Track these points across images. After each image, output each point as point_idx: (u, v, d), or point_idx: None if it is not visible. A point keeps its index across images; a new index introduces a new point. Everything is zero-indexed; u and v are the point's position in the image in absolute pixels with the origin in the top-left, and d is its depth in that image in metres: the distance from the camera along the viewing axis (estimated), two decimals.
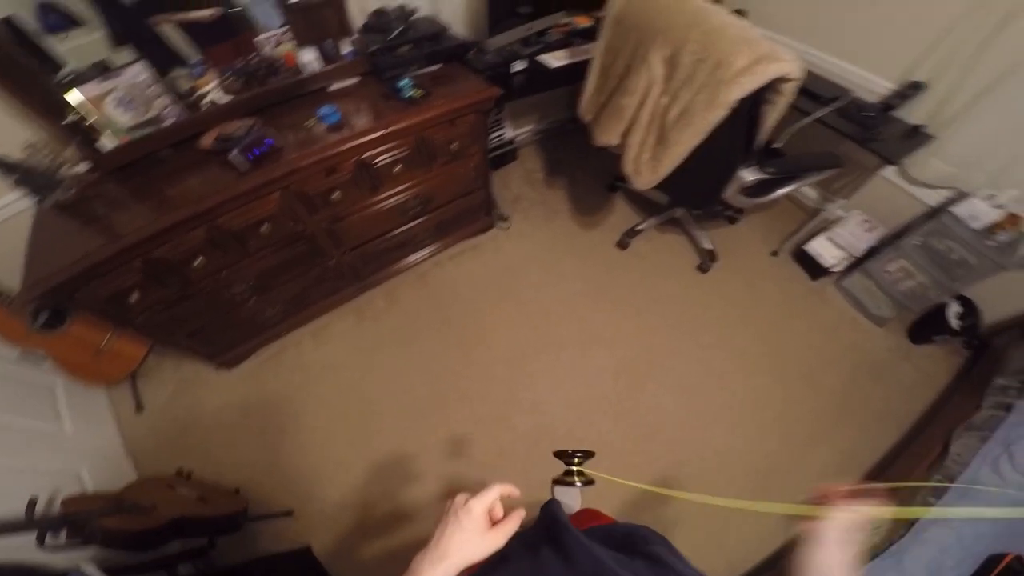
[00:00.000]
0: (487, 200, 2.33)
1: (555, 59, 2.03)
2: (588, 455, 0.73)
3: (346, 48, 1.71)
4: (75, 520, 1.15)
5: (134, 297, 1.47)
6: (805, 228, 2.30)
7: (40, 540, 1.12)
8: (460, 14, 2.08)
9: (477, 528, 0.57)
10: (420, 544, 0.57)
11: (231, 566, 1.54)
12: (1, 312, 1.55)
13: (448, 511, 0.59)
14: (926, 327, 2.14)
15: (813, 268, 2.31)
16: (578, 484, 0.70)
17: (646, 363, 2.08)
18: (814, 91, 1.93)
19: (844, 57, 2.07)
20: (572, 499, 1.69)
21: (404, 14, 1.77)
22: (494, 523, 0.60)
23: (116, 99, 1.39)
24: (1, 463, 1.41)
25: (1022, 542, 1.24)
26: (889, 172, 2.01)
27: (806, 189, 2.55)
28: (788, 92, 1.39)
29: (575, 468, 0.72)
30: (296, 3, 1.53)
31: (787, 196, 2.06)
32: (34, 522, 1.12)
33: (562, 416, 1.92)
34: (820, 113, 1.82)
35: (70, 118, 1.36)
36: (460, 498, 0.60)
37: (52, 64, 1.37)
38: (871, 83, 1.99)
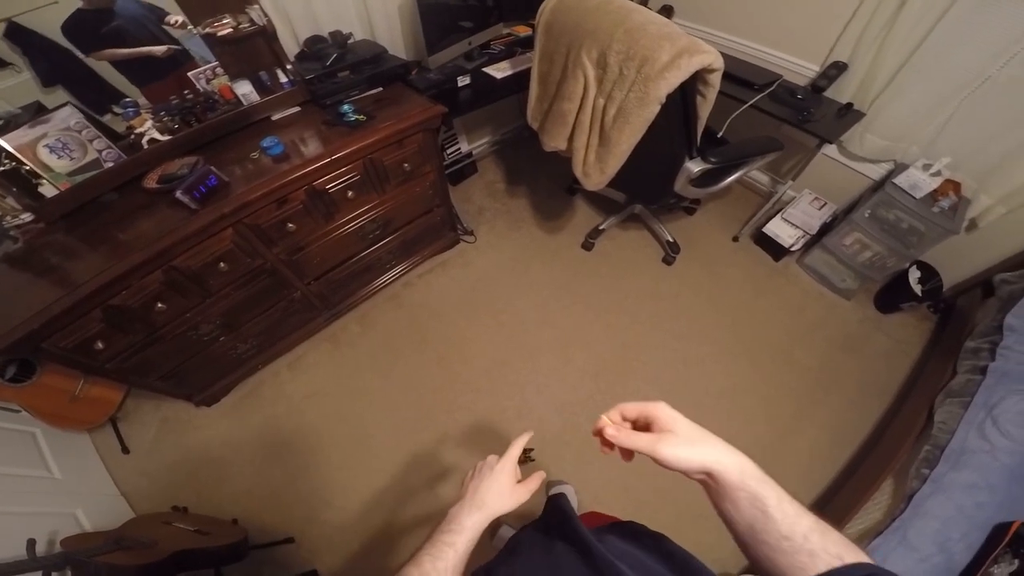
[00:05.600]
0: (449, 216, 2.35)
1: (499, 70, 2.07)
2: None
3: (283, 78, 1.72)
4: (76, 559, 1.17)
5: (99, 345, 1.45)
6: (761, 211, 2.35)
7: None
8: (397, 35, 2.11)
9: (509, 481, 0.64)
10: None
11: None
12: None
13: (480, 469, 0.67)
14: (891, 295, 2.18)
15: (774, 249, 2.36)
16: None
17: (624, 360, 2.10)
18: (747, 79, 2.00)
19: (771, 44, 2.14)
20: (570, 499, 1.70)
21: (340, 39, 1.79)
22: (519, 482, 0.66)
23: (48, 145, 1.36)
24: None
25: (1021, 509, 1.24)
26: (830, 150, 2.08)
27: (756, 174, 2.60)
28: (714, 82, 1.43)
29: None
30: (224, 36, 1.52)
31: (738, 182, 2.10)
32: (36, 562, 1.15)
33: (548, 421, 1.93)
34: (753, 100, 1.88)
35: (4, 166, 1.32)
36: (492, 458, 0.68)
37: None
38: (798, 67, 2.07)
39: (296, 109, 1.80)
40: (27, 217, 1.47)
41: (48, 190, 1.43)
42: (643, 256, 2.49)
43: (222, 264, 1.58)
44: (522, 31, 2.26)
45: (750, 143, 1.80)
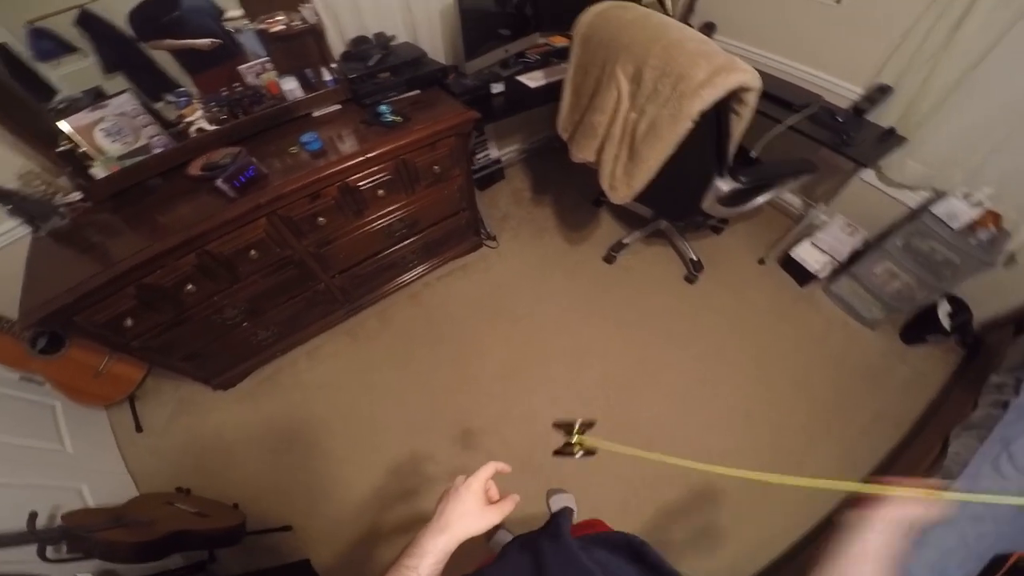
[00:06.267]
0: (474, 220, 2.38)
1: (533, 79, 2.10)
2: (589, 425, 0.71)
3: (327, 76, 1.77)
4: (74, 533, 1.19)
5: (128, 322, 1.50)
6: (790, 234, 2.32)
7: (41, 553, 1.16)
8: (437, 39, 2.16)
9: (476, 502, 0.63)
10: None
11: None
12: (1, 338, 1.60)
13: (449, 490, 0.65)
14: (918, 328, 2.13)
15: (800, 274, 2.32)
16: (577, 455, 0.69)
17: (638, 375, 2.08)
18: (786, 99, 1.98)
19: (813, 64, 2.11)
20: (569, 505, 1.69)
21: (383, 41, 1.84)
22: (493, 503, 0.65)
23: (105, 129, 1.44)
24: (3, 480, 1.44)
25: None
26: (867, 175, 2.04)
27: (789, 196, 2.57)
28: (750, 102, 1.42)
29: (575, 440, 0.70)
30: (276, 33, 1.58)
31: (769, 204, 2.08)
32: (34, 535, 1.17)
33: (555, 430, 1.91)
34: (791, 121, 1.86)
35: (62, 147, 1.40)
36: (460, 478, 0.66)
37: (46, 91, 1.42)
38: (841, 89, 2.03)
39: (337, 107, 1.85)
40: (76, 196, 1.54)
41: (98, 171, 1.50)
42: (665, 273, 2.47)
43: (253, 252, 1.63)
44: (558, 41, 2.28)
45: (783, 164, 1.79)
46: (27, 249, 1.49)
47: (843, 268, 2.22)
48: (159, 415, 2.06)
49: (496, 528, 1.68)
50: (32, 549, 1.17)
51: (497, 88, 2.04)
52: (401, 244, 2.14)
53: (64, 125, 1.36)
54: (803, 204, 2.53)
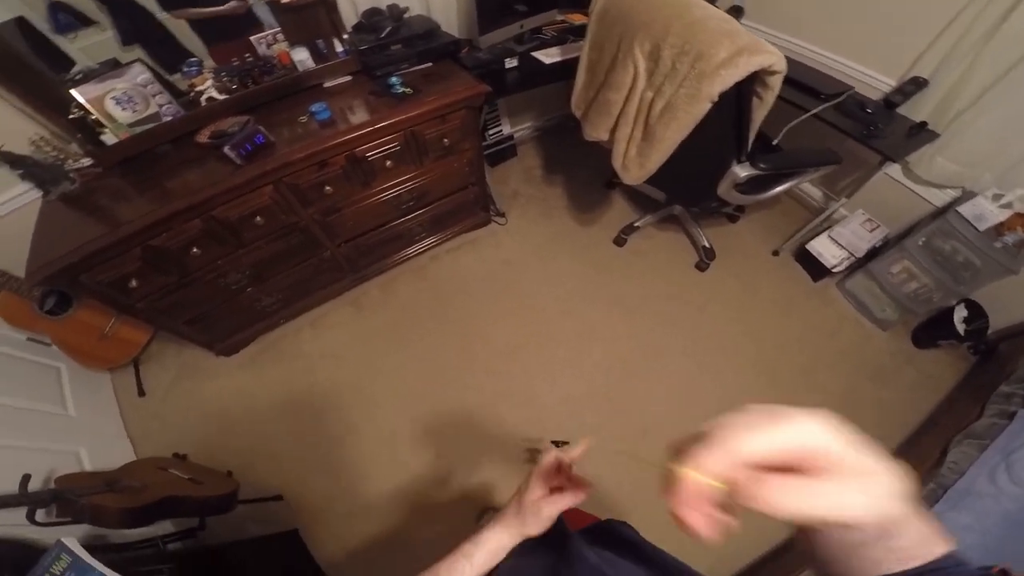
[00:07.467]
0: (483, 195, 2.35)
1: (548, 56, 2.04)
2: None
3: (339, 47, 1.75)
4: (63, 497, 1.18)
5: (134, 283, 1.52)
6: (808, 227, 2.25)
7: (30, 516, 1.15)
8: (452, 12, 2.10)
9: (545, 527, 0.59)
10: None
11: (219, 545, 1.56)
12: (10, 297, 1.64)
13: (522, 495, 0.61)
14: (931, 331, 2.07)
15: (815, 268, 2.26)
16: None
17: (640, 360, 2.07)
18: (814, 87, 1.90)
19: (845, 54, 2.03)
20: None
21: (396, 13, 1.80)
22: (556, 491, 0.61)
23: (115, 98, 1.45)
24: (4, 442, 1.44)
25: (1009, 554, 1.20)
26: (893, 170, 1.96)
27: (809, 187, 2.49)
28: (774, 86, 1.36)
29: None
30: (288, 4, 1.56)
31: (788, 194, 2.02)
32: (26, 497, 1.17)
33: (553, 411, 1.92)
34: (817, 109, 1.78)
35: (73, 114, 1.42)
36: (544, 467, 0.62)
37: (64, 63, 1.44)
38: (873, 80, 1.95)
39: (348, 78, 1.83)
40: (87, 162, 1.56)
41: (109, 138, 1.51)
42: (676, 259, 2.43)
43: (258, 218, 1.63)
44: (577, 19, 2.21)
45: (805, 153, 1.72)
46: (37, 212, 1.50)
47: (860, 265, 2.16)
48: (162, 379, 2.09)
49: (488, 509, 1.70)
50: (23, 512, 1.15)
51: (511, 63, 2.00)
52: (408, 216, 2.13)
53: (76, 94, 1.38)
54: (824, 196, 2.45)
